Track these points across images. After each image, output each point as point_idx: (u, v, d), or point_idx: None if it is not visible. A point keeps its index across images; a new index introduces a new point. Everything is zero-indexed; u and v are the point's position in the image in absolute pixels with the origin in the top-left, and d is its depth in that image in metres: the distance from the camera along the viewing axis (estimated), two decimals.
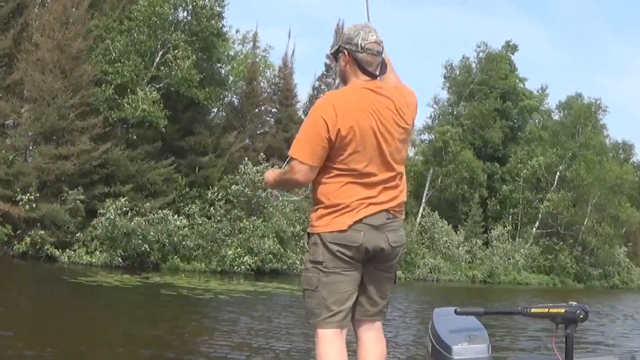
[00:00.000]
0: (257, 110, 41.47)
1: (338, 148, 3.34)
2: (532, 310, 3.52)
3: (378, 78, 3.48)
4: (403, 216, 3.52)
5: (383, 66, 3.51)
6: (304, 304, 3.49)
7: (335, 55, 3.53)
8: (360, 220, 3.34)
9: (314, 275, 3.41)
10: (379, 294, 3.54)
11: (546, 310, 3.48)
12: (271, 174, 3.70)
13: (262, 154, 35.09)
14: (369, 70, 3.44)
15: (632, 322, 17.98)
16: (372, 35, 3.43)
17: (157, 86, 30.42)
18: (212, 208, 31.51)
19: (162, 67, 30.52)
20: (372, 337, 3.55)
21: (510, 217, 54.17)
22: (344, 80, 3.53)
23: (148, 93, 29.09)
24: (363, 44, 3.40)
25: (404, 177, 3.54)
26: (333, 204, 3.37)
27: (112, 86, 28.84)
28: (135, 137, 29.91)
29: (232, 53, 40.82)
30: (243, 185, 31.88)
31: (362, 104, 3.35)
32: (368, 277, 3.48)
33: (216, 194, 31.66)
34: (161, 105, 29.67)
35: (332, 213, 3.36)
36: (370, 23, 3.66)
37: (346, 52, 3.45)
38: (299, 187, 3.69)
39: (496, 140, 54.89)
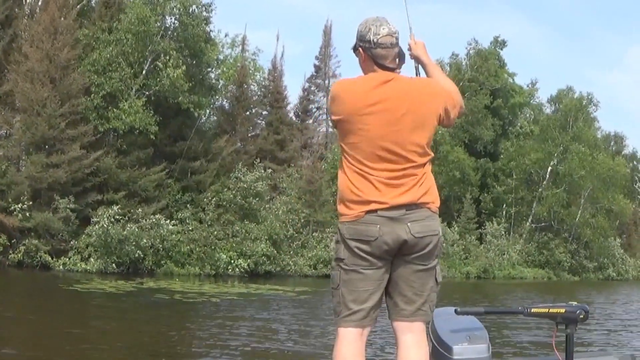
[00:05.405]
0: (247, 113, 41.46)
1: (343, 134, 3.32)
2: (533, 310, 3.54)
3: (396, 70, 3.38)
4: (433, 205, 3.32)
5: (401, 56, 3.40)
6: (331, 302, 3.43)
7: (354, 52, 3.46)
8: (375, 211, 3.23)
9: (336, 273, 3.34)
10: (412, 290, 3.31)
11: (546, 310, 3.49)
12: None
13: (258, 159, 35.13)
14: (384, 64, 3.34)
15: (633, 321, 17.87)
16: (383, 29, 3.32)
17: (146, 93, 30.33)
18: (203, 212, 31.51)
19: (151, 75, 30.41)
20: (411, 341, 3.32)
21: (504, 212, 54.17)
22: None
23: (132, 103, 28.98)
24: (375, 39, 3.31)
25: (427, 167, 3.34)
26: (345, 194, 3.30)
27: (100, 95, 28.80)
28: (125, 145, 29.76)
29: (221, 57, 40.75)
30: (234, 192, 31.89)
31: (369, 92, 3.28)
32: (399, 272, 3.31)
33: (209, 198, 31.66)
34: (151, 112, 29.61)
35: (345, 203, 3.30)
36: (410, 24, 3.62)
37: (361, 50, 3.38)
38: None
39: (487, 139, 54.82)
